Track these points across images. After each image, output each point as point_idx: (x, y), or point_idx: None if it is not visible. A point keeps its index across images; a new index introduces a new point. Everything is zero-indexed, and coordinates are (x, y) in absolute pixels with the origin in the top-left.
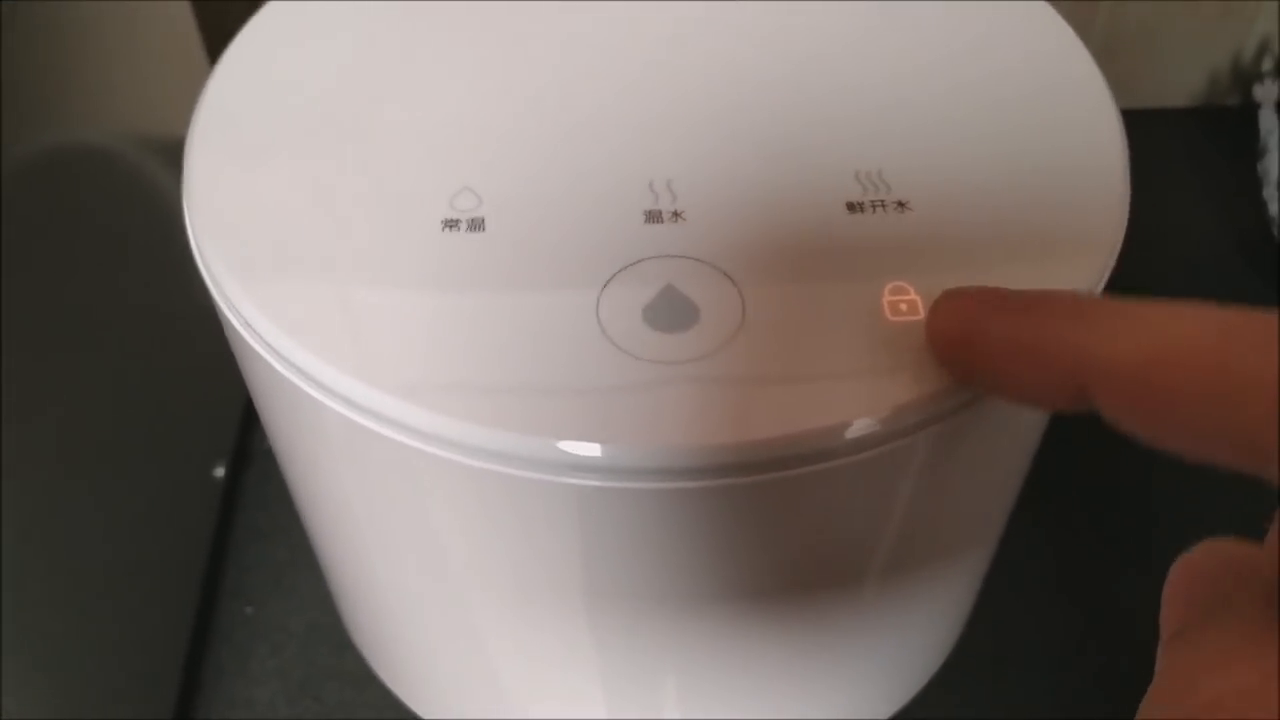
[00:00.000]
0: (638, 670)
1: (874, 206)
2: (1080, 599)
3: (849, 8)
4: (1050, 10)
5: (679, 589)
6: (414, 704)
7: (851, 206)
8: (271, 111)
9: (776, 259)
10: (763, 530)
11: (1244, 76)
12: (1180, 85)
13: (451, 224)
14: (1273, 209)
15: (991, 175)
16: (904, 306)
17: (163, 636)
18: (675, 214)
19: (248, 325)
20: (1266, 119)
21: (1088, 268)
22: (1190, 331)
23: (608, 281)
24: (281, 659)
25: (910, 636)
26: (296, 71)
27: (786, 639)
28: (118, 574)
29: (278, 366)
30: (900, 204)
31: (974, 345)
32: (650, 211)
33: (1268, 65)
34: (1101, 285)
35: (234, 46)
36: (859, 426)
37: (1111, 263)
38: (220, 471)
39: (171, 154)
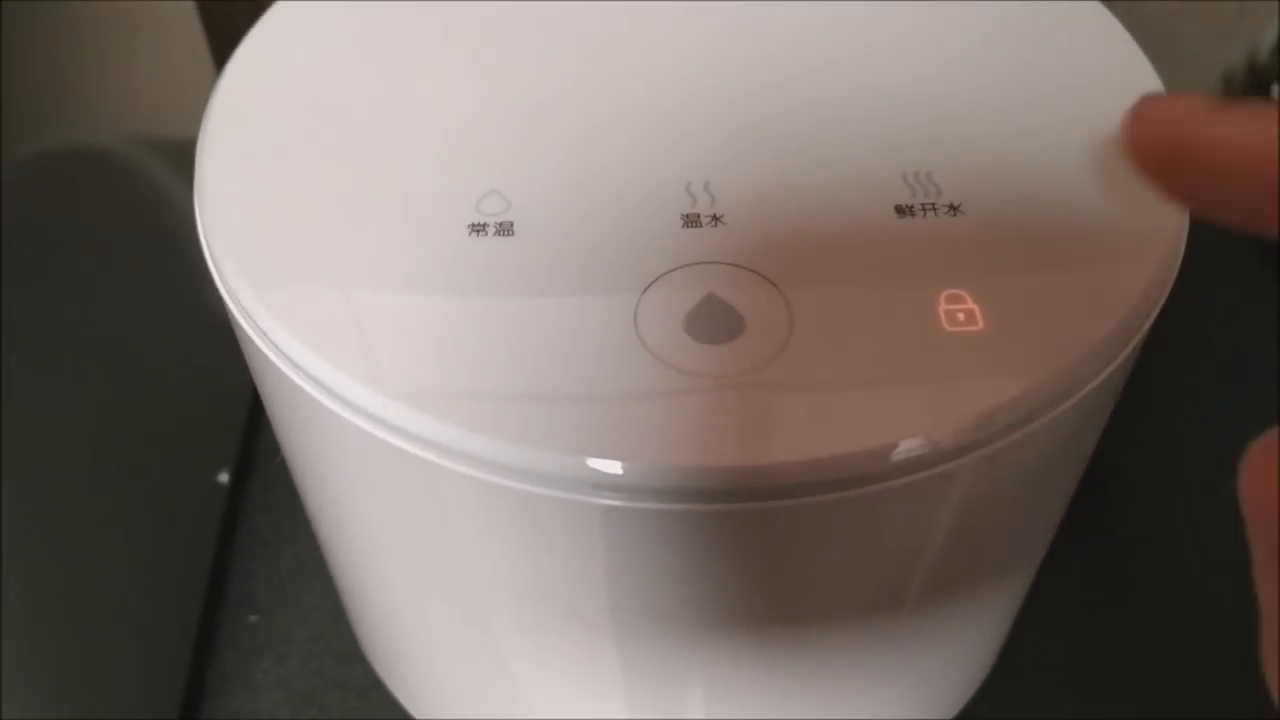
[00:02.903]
0: (664, 695)
1: (924, 210)
2: (1116, 597)
3: (893, 7)
4: (1103, 9)
5: (721, 614)
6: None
7: (901, 210)
8: (285, 113)
9: (823, 266)
10: (817, 551)
11: (1260, 77)
12: (1194, 86)
13: (479, 228)
14: None
15: (1044, 177)
16: (961, 316)
17: (167, 645)
18: (715, 218)
19: (262, 333)
20: None
21: (1152, 272)
22: None
23: (645, 289)
24: (285, 669)
25: (946, 658)
26: (310, 72)
27: (819, 665)
28: (122, 581)
29: (293, 376)
30: (952, 207)
31: (1193, 151)
32: (688, 215)
33: None
34: (1168, 289)
35: (244, 47)
36: (931, 443)
37: (1176, 264)
38: (224, 478)
39: (176, 156)
